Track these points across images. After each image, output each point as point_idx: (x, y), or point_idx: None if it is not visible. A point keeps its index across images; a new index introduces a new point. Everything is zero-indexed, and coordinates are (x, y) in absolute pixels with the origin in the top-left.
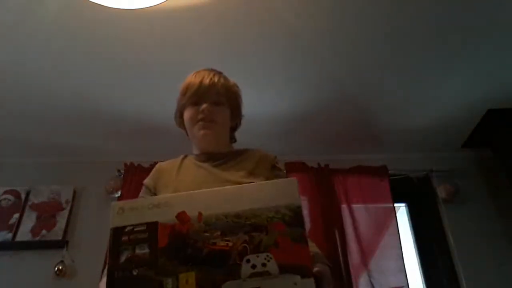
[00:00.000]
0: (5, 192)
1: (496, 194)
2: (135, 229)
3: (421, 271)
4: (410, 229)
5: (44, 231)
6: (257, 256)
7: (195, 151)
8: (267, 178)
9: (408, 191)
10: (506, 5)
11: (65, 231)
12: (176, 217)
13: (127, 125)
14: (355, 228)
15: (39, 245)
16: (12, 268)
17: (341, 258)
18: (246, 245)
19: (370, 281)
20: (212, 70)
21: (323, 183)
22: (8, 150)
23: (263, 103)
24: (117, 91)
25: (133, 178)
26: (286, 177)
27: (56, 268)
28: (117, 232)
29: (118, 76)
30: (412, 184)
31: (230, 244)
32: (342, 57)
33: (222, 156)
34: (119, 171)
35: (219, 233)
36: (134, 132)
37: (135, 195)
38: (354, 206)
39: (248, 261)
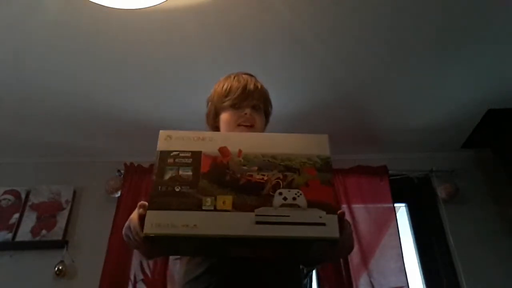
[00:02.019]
0: (5, 192)
1: (496, 194)
2: (181, 155)
3: (421, 271)
4: (410, 229)
5: (44, 231)
6: (289, 191)
7: None
8: None
9: (408, 191)
10: (506, 5)
11: (65, 231)
12: (219, 150)
13: (127, 125)
14: (355, 228)
15: (39, 245)
16: (12, 268)
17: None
18: (280, 181)
19: (370, 281)
20: (251, 74)
21: None
22: (8, 150)
23: None
24: (117, 91)
25: (133, 178)
26: None
27: (56, 268)
28: (163, 155)
29: (118, 76)
30: (412, 184)
31: (265, 178)
32: (342, 57)
33: None
34: (119, 171)
35: (255, 168)
36: (134, 132)
37: (135, 195)
38: (354, 206)
39: (280, 193)
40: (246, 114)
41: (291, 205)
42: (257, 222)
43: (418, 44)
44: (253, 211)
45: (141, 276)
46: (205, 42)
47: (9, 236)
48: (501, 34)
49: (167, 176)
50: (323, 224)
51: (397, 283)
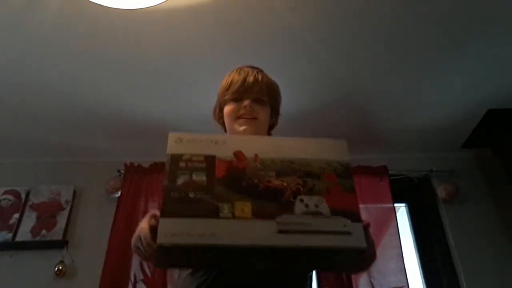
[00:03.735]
0: (5, 192)
1: (496, 194)
2: (193, 158)
3: (421, 271)
4: (410, 229)
5: (44, 231)
6: (310, 198)
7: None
8: None
9: (408, 191)
10: (506, 5)
11: (65, 231)
12: (234, 154)
13: (127, 125)
14: None
15: (39, 245)
16: (12, 268)
17: None
18: (300, 187)
19: (370, 281)
20: (255, 67)
21: None
22: (8, 150)
23: None
24: (117, 91)
25: (133, 178)
26: None
27: (56, 268)
28: (174, 158)
29: (118, 76)
30: (412, 184)
31: (285, 184)
32: (342, 57)
33: None
34: (119, 171)
35: (274, 173)
36: (134, 132)
37: (135, 195)
38: None
39: (301, 200)
40: (245, 106)
41: (314, 213)
42: (280, 231)
43: (418, 44)
44: (274, 219)
45: (141, 276)
46: (205, 42)
47: (9, 236)
48: (501, 35)
49: (179, 181)
50: (349, 233)
51: (397, 283)
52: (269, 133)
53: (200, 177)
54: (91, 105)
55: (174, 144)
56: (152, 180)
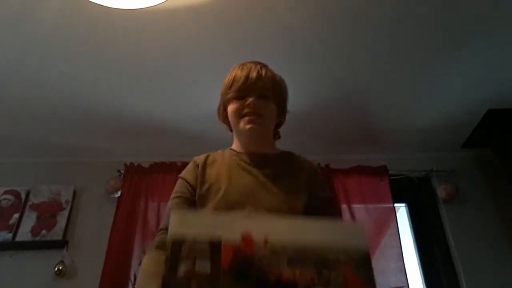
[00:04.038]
0: (5, 192)
1: (496, 194)
2: (197, 243)
3: (421, 271)
4: (410, 229)
5: (44, 231)
6: None
7: (238, 148)
8: (311, 193)
9: (408, 191)
10: (506, 5)
11: (65, 231)
12: (242, 237)
13: (127, 125)
14: None
15: (39, 245)
16: (12, 268)
17: None
18: (315, 279)
19: None
20: (258, 62)
21: None
22: (8, 150)
23: None
24: (117, 91)
25: (133, 178)
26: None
27: (56, 268)
28: (176, 244)
29: (118, 76)
30: (412, 184)
31: (297, 275)
32: (342, 57)
33: (271, 162)
34: (119, 171)
35: (285, 261)
36: (134, 132)
37: (135, 195)
38: (354, 206)
39: None
40: (249, 104)
41: None
42: None
43: (418, 44)
44: None
45: None
46: (205, 42)
47: (9, 236)
48: (501, 35)
49: (181, 271)
50: None
51: (397, 283)
52: (276, 131)
53: (203, 266)
54: (91, 105)
55: (177, 226)
56: (152, 180)
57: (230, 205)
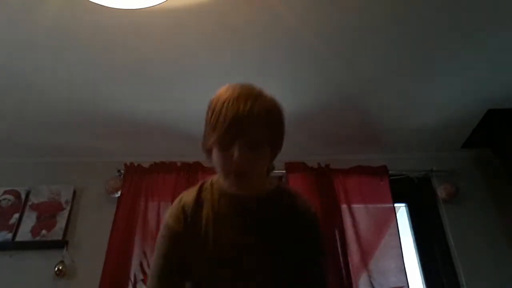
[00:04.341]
0: (5, 192)
1: (496, 194)
2: None
3: (421, 271)
4: (410, 229)
5: (44, 231)
6: None
7: (223, 184)
8: (298, 237)
9: (408, 191)
10: (506, 5)
11: (65, 231)
12: None
13: (127, 125)
14: (355, 228)
15: (39, 245)
16: (12, 268)
17: (341, 258)
18: None
19: (370, 281)
20: (250, 92)
21: (323, 183)
22: (8, 150)
23: None
24: (117, 91)
25: (133, 178)
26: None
27: (56, 268)
28: None
29: (118, 76)
30: (412, 184)
31: None
32: (342, 57)
33: (255, 206)
34: (119, 171)
35: None
36: (134, 132)
37: (135, 195)
38: (354, 206)
39: None
40: (235, 160)
41: None
42: None
43: (418, 45)
44: None
45: (141, 276)
46: (205, 43)
47: (9, 236)
48: (501, 34)
49: None
50: None
51: (397, 283)
52: (271, 166)
53: None
54: (91, 105)
55: None
56: (152, 180)
57: (216, 264)
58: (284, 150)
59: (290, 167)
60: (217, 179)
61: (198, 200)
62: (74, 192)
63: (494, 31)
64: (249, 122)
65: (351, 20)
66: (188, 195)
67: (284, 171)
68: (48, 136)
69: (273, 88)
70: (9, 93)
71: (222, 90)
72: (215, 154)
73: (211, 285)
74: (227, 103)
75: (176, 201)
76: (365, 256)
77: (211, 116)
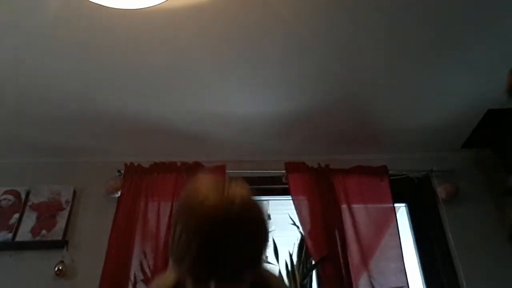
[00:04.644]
0: (5, 192)
1: (496, 194)
2: None
3: (421, 271)
4: (410, 229)
5: (44, 231)
6: None
7: None
8: None
9: (408, 191)
10: (506, 5)
11: (65, 231)
12: None
13: (127, 125)
14: (355, 228)
15: (39, 245)
16: (12, 268)
17: (341, 258)
18: None
19: (370, 282)
20: (222, 205)
21: (323, 183)
22: (8, 150)
23: (263, 103)
24: (117, 91)
25: (133, 178)
26: None
27: (56, 268)
28: None
29: (118, 76)
30: (412, 184)
31: None
32: (342, 57)
33: None
34: (119, 171)
35: None
36: (134, 132)
37: (135, 195)
38: (354, 206)
39: None
40: None
41: None
42: None
43: (418, 44)
44: None
45: (141, 276)
46: (205, 42)
47: (9, 236)
48: (501, 34)
49: None
50: None
51: (397, 283)
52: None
53: None
54: (91, 105)
55: None
56: (152, 180)
57: None
58: (284, 150)
59: (290, 167)
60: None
61: None
62: (74, 192)
63: (494, 31)
64: (227, 251)
65: (351, 20)
66: None
67: (284, 171)
68: (48, 136)
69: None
70: (9, 93)
71: (191, 199)
72: (188, 283)
73: None
74: (198, 224)
75: None
76: (365, 256)
77: (179, 237)
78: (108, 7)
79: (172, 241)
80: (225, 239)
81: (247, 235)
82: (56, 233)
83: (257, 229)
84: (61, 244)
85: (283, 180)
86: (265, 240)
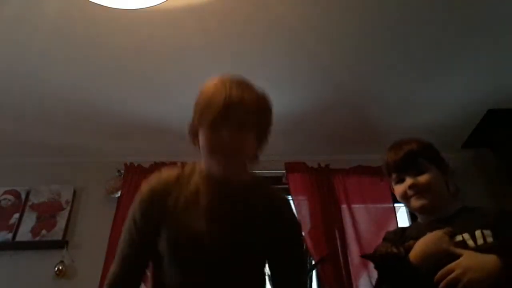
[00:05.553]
0: (5, 192)
1: (496, 194)
2: None
3: None
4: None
5: (44, 231)
6: None
7: (205, 168)
8: (275, 225)
9: None
10: (506, 5)
11: (65, 231)
12: None
13: (127, 125)
14: (355, 228)
15: (39, 245)
16: (12, 268)
17: (341, 258)
18: None
19: (370, 281)
20: (239, 81)
21: (323, 183)
22: (8, 150)
23: None
24: (117, 91)
25: (133, 178)
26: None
27: (56, 268)
28: None
29: (118, 76)
30: None
31: None
32: (342, 57)
33: (235, 193)
34: (119, 171)
35: None
36: (134, 132)
37: (135, 195)
38: (354, 206)
39: None
40: (225, 140)
41: None
42: None
43: (418, 45)
44: None
45: None
46: (205, 42)
47: (9, 236)
48: (501, 35)
49: None
50: None
51: None
52: (256, 155)
53: None
54: (91, 105)
55: None
56: None
57: (190, 247)
58: (284, 150)
59: (290, 167)
60: (200, 163)
61: (179, 180)
62: (74, 192)
63: (494, 31)
64: (239, 107)
65: (351, 21)
66: (168, 174)
67: (284, 171)
68: (48, 136)
69: (273, 88)
70: (9, 93)
71: (214, 79)
72: (203, 135)
73: (181, 265)
74: (219, 88)
75: (155, 177)
76: None
77: (203, 100)
78: (108, 7)
79: (195, 107)
80: (240, 98)
81: (256, 103)
82: (56, 233)
83: (264, 105)
84: (61, 244)
85: (283, 180)
86: (269, 119)
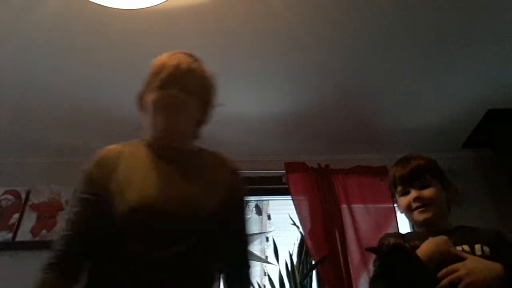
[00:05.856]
0: (5, 192)
1: (496, 194)
2: None
3: None
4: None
5: (44, 231)
6: None
7: (150, 137)
8: (226, 186)
9: None
10: (506, 5)
11: None
12: None
13: (126, 125)
14: (355, 228)
15: (39, 245)
16: (12, 268)
17: (341, 258)
18: None
19: None
20: (190, 55)
21: (323, 183)
22: (8, 150)
23: (264, 103)
24: (117, 91)
25: None
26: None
27: None
28: None
29: (118, 76)
30: None
31: None
32: (342, 57)
33: (182, 156)
34: None
35: None
36: (134, 132)
37: None
38: (354, 206)
39: None
40: (170, 95)
41: None
42: None
43: (418, 45)
44: None
45: None
46: (205, 43)
47: (9, 236)
48: (501, 35)
49: None
50: None
51: None
52: (196, 130)
53: None
54: (91, 105)
55: None
56: None
57: (139, 214)
58: (284, 150)
59: (290, 167)
60: (144, 138)
61: (122, 152)
62: (74, 192)
63: (494, 31)
64: (187, 73)
65: (351, 21)
66: (109, 148)
67: (284, 171)
68: (48, 135)
69: (273, 88)
70: (9, 93)
71: (168, 52)
72: (151, 96)
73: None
74: (170, 57)
75: (97, 152)
76: (365, 256)
77: (156, 67)
78: (108, 7)
79: (148, 76)
80: (187, 67)
81: (201, 74)
82: (56, 233)
83: (208, 78)
84: None
85: (283, 180)
86: (211, 90)
